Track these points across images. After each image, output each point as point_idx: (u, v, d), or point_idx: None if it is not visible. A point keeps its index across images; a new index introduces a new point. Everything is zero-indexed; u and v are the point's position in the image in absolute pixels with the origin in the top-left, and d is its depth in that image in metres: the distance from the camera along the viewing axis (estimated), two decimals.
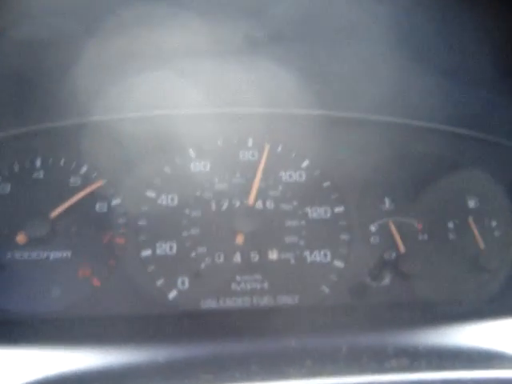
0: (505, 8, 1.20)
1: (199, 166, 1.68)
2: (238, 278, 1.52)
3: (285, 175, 1.68)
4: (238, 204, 1.62)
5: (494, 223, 1.66)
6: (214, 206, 1.61)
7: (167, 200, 1.62)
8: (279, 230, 1.59)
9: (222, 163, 1.69)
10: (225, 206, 1.61)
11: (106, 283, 1.49)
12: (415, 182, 1.70)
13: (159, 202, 1.61)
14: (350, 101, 1.72)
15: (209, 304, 1.48)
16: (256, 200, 1.61)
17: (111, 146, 1.65)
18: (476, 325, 1.26)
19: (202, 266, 1.53)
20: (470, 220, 1.65)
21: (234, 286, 1.51)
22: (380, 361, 1.13)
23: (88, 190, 1.59)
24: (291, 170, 1.69)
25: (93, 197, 1.60)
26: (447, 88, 1.57)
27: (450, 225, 1.64)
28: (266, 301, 1.50)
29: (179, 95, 1.64)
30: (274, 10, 1.32)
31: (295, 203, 1.64)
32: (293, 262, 1.55)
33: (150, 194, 1.62)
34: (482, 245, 1.61)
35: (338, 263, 1.57)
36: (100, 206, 1.60)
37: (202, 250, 1.54)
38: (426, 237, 1.62)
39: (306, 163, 1.71)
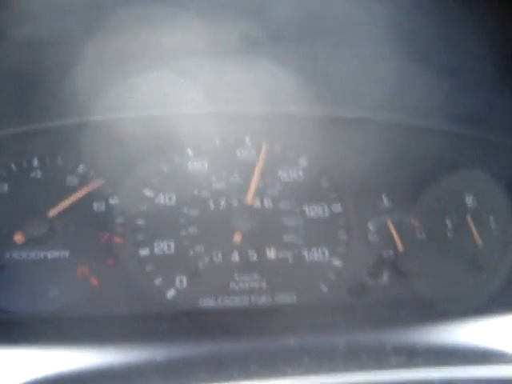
0: (505, 8, 1.20)
1: (197, 165, 1.69)
2: (236, 276, 1.51)
3: (283, 174, 1.68)
4: (235, 203, 1.62)
5: (492, 222, 1.66)
6: (211, 205, 1.61)
7: (165, 199, 1.61)
8: (277, 229, 1.59)
9: (220, 162, 1.69)
10: (223, 204, 1.61)
11: (104, 282, 1.49)
12: (414, 180, 1.70)
13: (157, 201, 1.61)
14: (347, 100, 1.72)
15: (207, 303, 1.48)
16: (254, 199, 1.61)
17: (109, 145, 1.64)
18: (474, 322, 1.26)
19: (200, 264, 1.53)
20: (469, 218, 1.65)
21: (232, 284, 1.51)
22: (379, 359, 1.13)
23: (86, 190, 1.59)
24: (289, 168, 1.70)
25: (91, 196, 1.59)
26: (447, 88, 1.57)
27: (449, 223, 1.64)
28: (264, 300, 1.49)
29: (177, 95, 1.64)
30: (273, 9, 1.32)
31: (293, 202, 1.64)
32: (291, 260, 1.55)
33: (148, 193, 1.62)
34: (480, 243, 1.61)
35: (337, 262, 1.56)
36: (98, 206, 1.60)
37: (200, 248, 1.54)
38: (424, 235, 1.62)
39: (303, 162, 1.71)
